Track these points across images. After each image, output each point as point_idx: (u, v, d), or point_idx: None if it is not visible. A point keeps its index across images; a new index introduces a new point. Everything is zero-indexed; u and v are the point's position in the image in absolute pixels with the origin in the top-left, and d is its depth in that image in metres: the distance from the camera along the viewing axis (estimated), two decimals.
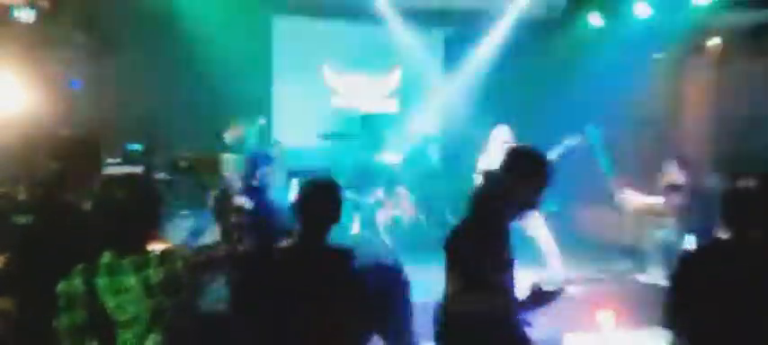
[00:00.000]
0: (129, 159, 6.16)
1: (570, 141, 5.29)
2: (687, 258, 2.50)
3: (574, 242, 6.26)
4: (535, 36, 7.41)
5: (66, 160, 2.35)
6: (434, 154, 8.04)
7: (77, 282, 1.92)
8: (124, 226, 1.96)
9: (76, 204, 2.34)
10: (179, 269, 1.95)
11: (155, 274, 1.91)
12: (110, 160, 5.99)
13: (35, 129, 4.36)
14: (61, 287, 1.92)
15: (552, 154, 5.06)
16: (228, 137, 5.67)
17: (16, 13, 5.68)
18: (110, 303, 1.89)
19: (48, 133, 2.91)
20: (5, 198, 2.44)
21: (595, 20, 7.05)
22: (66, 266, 1.98)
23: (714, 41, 7.05)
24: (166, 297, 1.93)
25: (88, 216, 2.38)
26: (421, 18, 7.72)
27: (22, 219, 2.25)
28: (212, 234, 5.40)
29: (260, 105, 7.53)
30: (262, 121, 7.02)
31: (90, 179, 2.41)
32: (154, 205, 2.06)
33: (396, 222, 6.63)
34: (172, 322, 1.95)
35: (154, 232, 2.04)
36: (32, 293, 2.24)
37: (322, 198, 2.29)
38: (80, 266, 1.94)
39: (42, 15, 5.84)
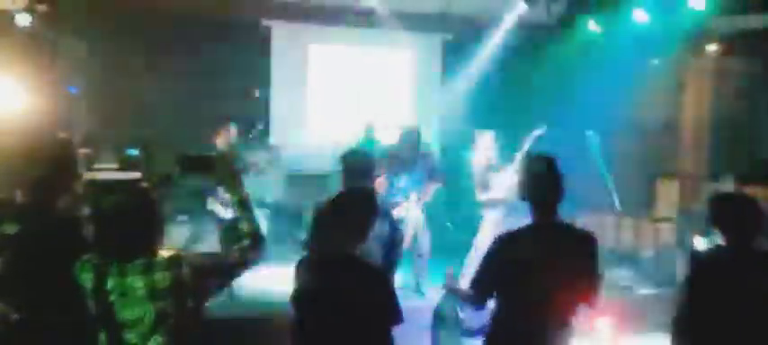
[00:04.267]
0: (126, 164, 6.17)
1: (537, 132, 5.32)
2: (699, 266, 2.66)
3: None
4: (534, 41, 7.43)
5: (42, 167, 2.34)
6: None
7: (87, 277, 1.95)
8: (130, 233, 1.97)
9: (61, 209, 2.34)
10: (185, 274, 1.95)
11: (161, 278, 1.92)
12: (108, 165, 6.00)
13: (19, 136, 4.37)
14: (76, 275, 1.96)
15: (524, 146, 5.16)
16: (219, 141, 5.67)
17: (17, 20, 5.69)
18: (116, 303, 1.91)
19: (25, 140, 2.92)
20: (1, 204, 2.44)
21: (593, 25, 7.06)
22: (56, 270, 1.99)
23: (712, 46, 7.07)
24: (171, 302, 1.93)
25: (83, 221, 2.38)
26: (420, 23, 7.74)
27: (9, 229, 2.25)
28: (210, 240, 5.41)
29: (259, 110, 7.55)
30: (259, 126, 7.02)
31: (68, 184, 2.41)
32: (159, 212, 2.08)
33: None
34: (176, 327, 1.95)
35: (159, 239, 2.05)
36: (27, 296, 2.24)
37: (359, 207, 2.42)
38: (92, 260, 1.96)
39: (41, 21, 5.84)
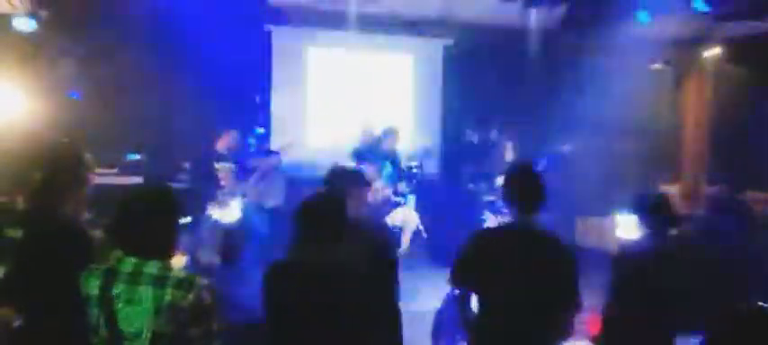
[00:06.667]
0: (127, 168, 6.17)
1: (562, 148, 5.41)
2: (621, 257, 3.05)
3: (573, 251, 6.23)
4: (534, 45, 7.43)
5: (48, 170, 2.33)
6: (434, 164, 8.02)
7: (94, 283, 1.93)
8: (148, 234, 1.97)
9: (65, 214, 2.33)
10: (192, 299, 1.90)
11: (169, 295, 1.89)
12: (108, 170, 6.00)
13: (26, 140, 4.36)
14: (81, 283, 1.95)
15: (543, 162, 5.24)
16: (221, 145, 5.67)
17: (16, 23, 5.68)
18: (120, 311, 1.90)
19: (31, 143, 2.91)
20: (3, 209, 2.43)
21: (594, 30, 7.05)
22: (59, 276, 1.97)
23: (713, 51, 7.08)
24: (171, 322, 1.89)
25: (86, 226, 2.38)
26: (420, 27, 7.74)
27: (12, 233, 2.24)
28: (210, 250, 5.40)
29: (259, 115, 7.55)
30: (260, 130, 7.01)
31: (75, 188, 2.40)
32: (177, 214, 2.09)
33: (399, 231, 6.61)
34: None
35: (175, 242, 2.05)
36: (29, 302, 2.24)
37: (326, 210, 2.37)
38: (103, 267, 1.95)
39: (42, 25, 5.84)
